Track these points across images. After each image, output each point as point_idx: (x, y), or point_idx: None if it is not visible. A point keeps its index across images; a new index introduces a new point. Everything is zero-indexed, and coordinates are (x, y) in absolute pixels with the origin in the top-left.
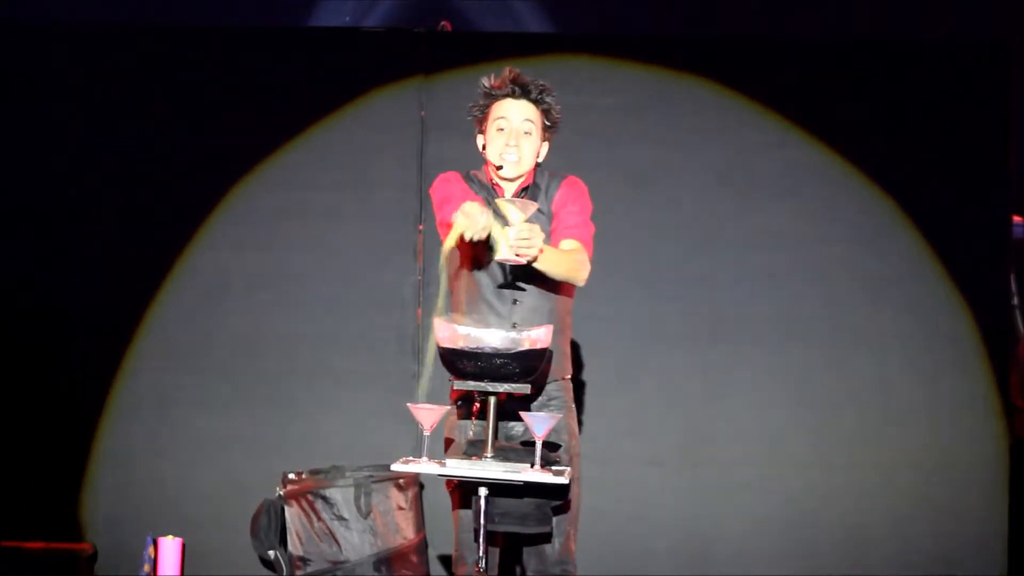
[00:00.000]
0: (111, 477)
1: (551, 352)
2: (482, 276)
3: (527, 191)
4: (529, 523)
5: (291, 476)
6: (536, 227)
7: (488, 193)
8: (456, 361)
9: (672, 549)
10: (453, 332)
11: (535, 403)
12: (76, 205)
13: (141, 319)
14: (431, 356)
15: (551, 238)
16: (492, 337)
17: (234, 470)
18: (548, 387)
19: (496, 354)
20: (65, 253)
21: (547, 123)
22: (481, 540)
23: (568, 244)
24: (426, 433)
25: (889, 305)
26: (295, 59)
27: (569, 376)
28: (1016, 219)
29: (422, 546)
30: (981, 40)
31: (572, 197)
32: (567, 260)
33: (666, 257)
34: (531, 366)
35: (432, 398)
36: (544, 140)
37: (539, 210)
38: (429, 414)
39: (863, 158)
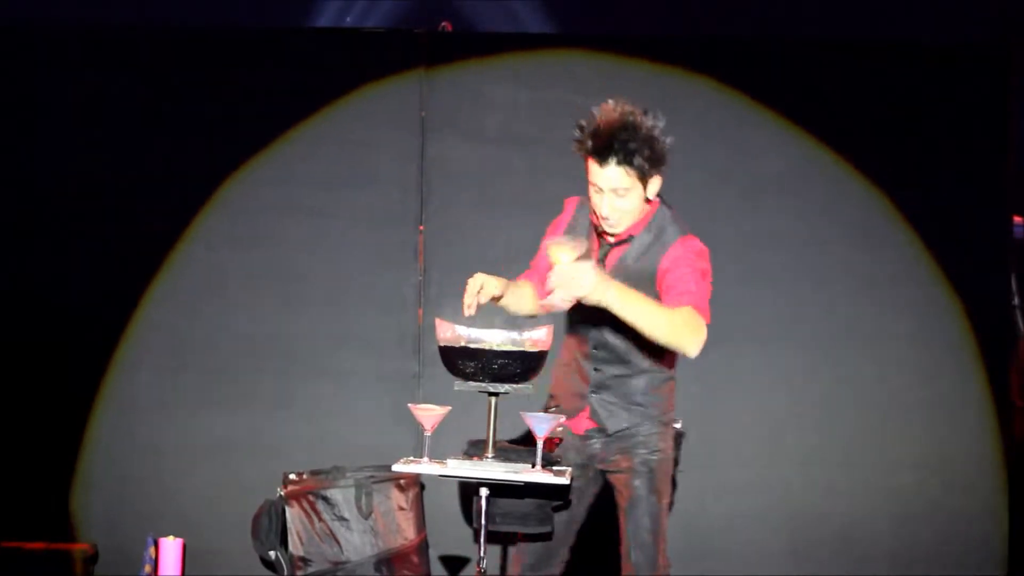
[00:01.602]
0: (112, 477)
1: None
2: (575, 315)
3: (631, 240)
4: (530, 523)
5: (292, 476)
6: (584, 267)
7: (589, 224)
8: (457, 361)
9: (672, 549)
10: (454, 332)
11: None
12: (71, 202)
13: (141, 319)
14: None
15: (661, 288)
16: (493, 337)
17: (235, 470)
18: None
19: (497, 354)
20: (61, 250)
21: (648, 167)
22: (482, 540)
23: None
24: (427, 433)
25: (889, 305)
26: (296, 59)
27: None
28: (1016, 219)
29: (423, 546)
30: (981, 41)
31: (686, 260)
32: (665, 317)
33: None
34: (532, 366)
35: (432, 399)
36: (648, 184)
37: (629, 277)
38: (429, 415)
39: (863, 159)
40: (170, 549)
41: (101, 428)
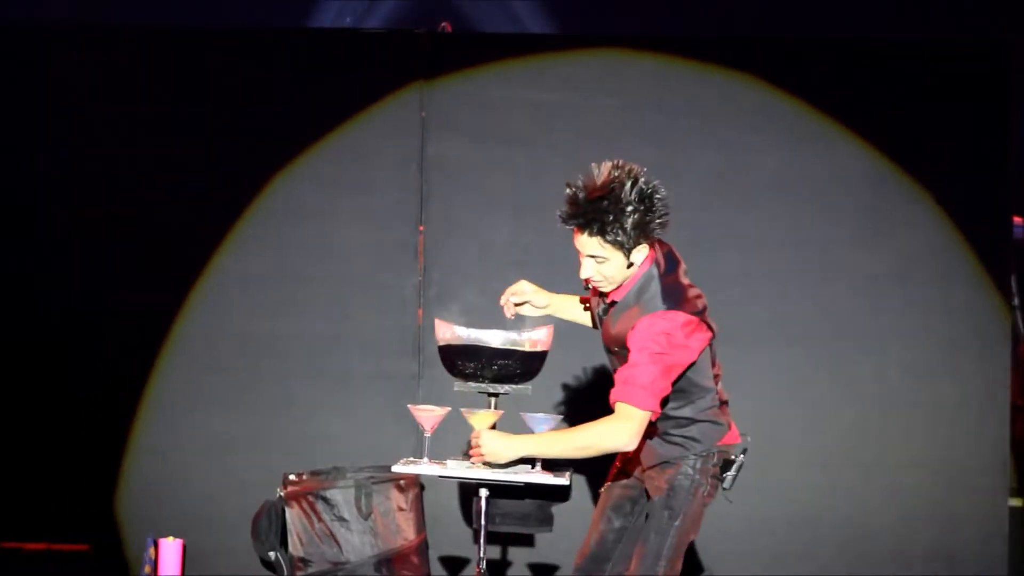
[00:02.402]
0: (112, 477)
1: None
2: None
3: (615, 305)
4: (530, 523)
5: (292, 477)
6: (486, 438)
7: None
8: (456, 361)
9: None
10: (453, 333)
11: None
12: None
13: (139, 320)
14: None
15: None
16: (492, 338)
17: (235, 471)
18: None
19: (496, 355)
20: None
21: (628, 239)
22: (481, 540)
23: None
24: (427, 434)
25: (889, 305)
26: (295, 60)
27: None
28: (1016, 219)
29: (423, 547)
30: (981, 41)
31: (641, 340)
32: (581, 439)
33: None
34: (532, 367)
35: (432, 399)
36: (632, 252)
37: (615, 339)
38: (429, 415)
39: (863, 158)
40: (170, 549)
41: (102, 429)
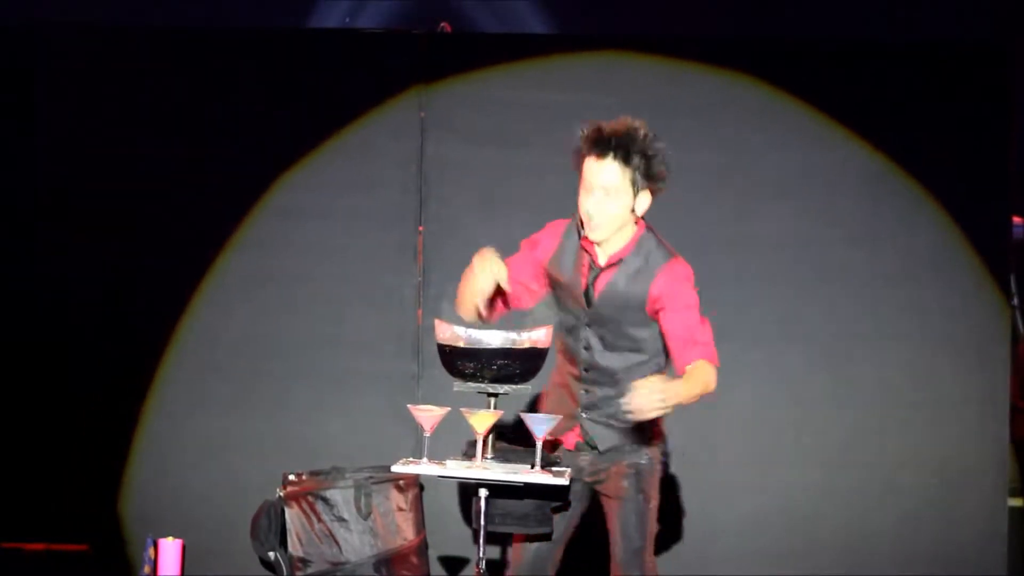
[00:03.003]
0: (111, 478)
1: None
2: (567, 338)
3: (621, 264)
4: (529, 524)
5: (291, 477)
6: (655, 388)
7: (577, 248)
8: (455, 361)
9: (672, 549)
10: (453, 332)
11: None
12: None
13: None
14: None
15: (664, 335)
16: (492, 338)
17: (234, 471)
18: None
19: (495, 354)
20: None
21: (640, 178)
22: (481, 540)
23: (694, 366)
24: (426, 434)
25: (889, 305)
26: (293, 60)
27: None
28: (1016, 219)
29: (422, 547)
30: (980, 41)
31: (677, 291)
32: (702, 385)
33: None
34: (531, 367)
35: (432, 399)
36: (638, 195)
37: (619, 301)
38: (429, 416)
39: (863, 159)
40: (170, 549)
41: (101, 429)
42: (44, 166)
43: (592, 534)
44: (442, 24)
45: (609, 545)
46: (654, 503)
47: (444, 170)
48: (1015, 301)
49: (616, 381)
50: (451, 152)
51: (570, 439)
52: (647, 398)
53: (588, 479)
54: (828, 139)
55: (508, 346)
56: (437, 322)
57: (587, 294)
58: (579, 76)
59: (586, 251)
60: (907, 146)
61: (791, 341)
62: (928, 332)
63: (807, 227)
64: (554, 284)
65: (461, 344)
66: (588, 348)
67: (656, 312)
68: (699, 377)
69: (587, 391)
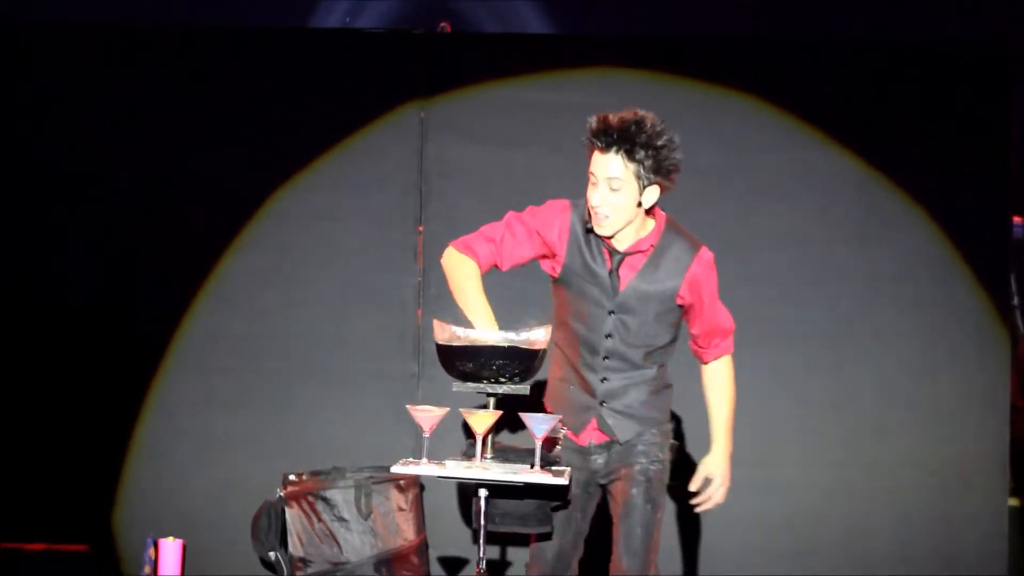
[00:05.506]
0: (111, 478)
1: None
2: (579, 327)
3: (647, 255)
4: (529, 523)
5: (291, 477)
6: (722, 474)
7: (585, 232)
8: (455, 361)
9: (672, 549)
10: (452, 333)
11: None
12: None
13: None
14: None
15: (692, 324)
16: (491, 337)
17: (234, 471)
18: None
19: (495, 354)
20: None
21: (645, 172)
22: (481, 540)
23: (717, 364)
24: (426, 435)
25: (889, 305)
26: (294, 60)
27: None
28: (1016, 219)
29: (422, 547)
30: (980, 41)
31: (706, 283)
32: (733, 400)
33: None
34: (530, 366)
35: (432, 399)
36: (645, 189)
37: (645, 293)
38: (428, 416)
39: (863, 159)
40: (170, 549)
41: (101, 430)
42: (44, 166)
43: (592, 535)
44: (442, 24)
45: (612, 551)
46: (661, 514)
47: (444, 170)
48: (1015, 301)
49: (636, 369)
50: (451, 152)
51: (585, 436)
52: (720, 491)
53: (601, 480)
54: (828, 139)
55: (507, 346)
56: (436, 323)
57: (612, 281)
58: (579, 76)
59: (602, 239)
60: (907, 146)
61: (791, 341)
62: (928, 332)
63: (807, 227)
64: (566, 269)
65: (460, 344)
66: (610, 336)
67: (685, 303)
68: (728, 405)
69: (604, 379)
